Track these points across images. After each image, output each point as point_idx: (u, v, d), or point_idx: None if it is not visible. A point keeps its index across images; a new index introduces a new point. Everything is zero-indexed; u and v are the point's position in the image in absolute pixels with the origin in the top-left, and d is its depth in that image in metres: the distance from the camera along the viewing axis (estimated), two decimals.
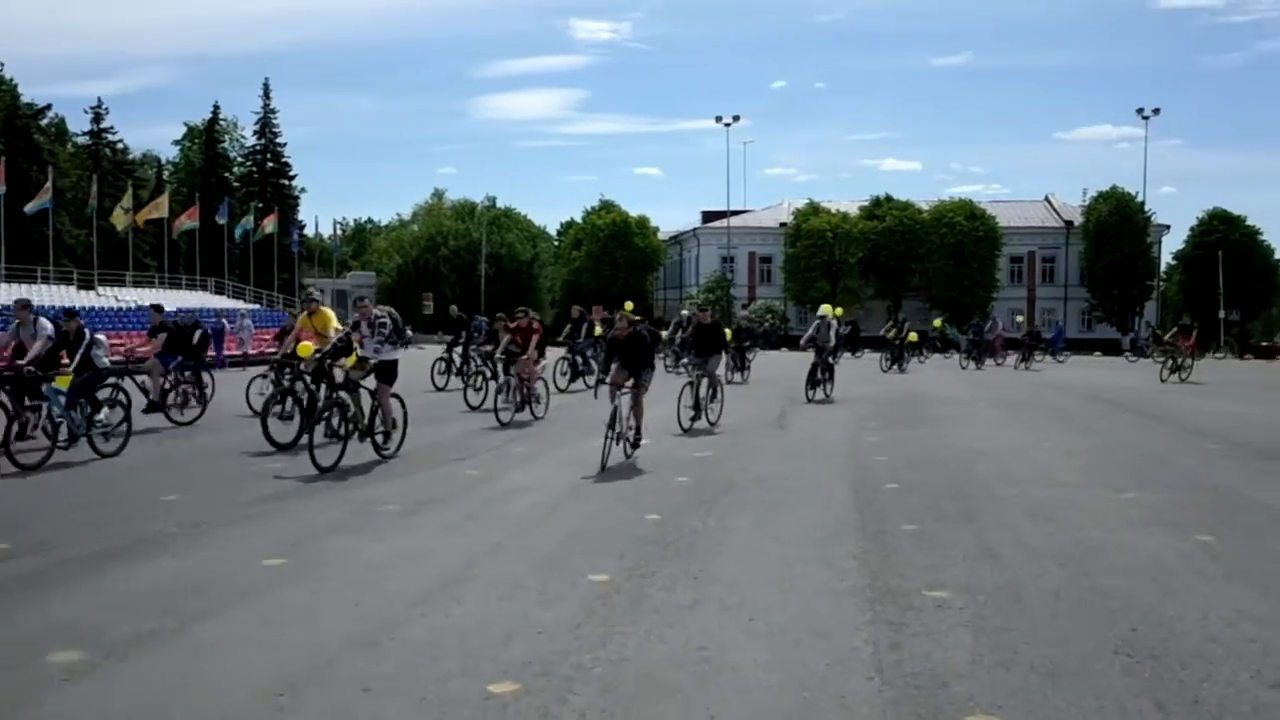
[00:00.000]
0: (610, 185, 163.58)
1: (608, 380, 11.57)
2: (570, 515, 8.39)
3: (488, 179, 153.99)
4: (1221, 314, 57.78)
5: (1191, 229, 65.36)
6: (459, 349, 22.63)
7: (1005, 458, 11.82)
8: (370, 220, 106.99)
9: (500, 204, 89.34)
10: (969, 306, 61.60)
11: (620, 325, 12.01)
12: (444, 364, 22.50)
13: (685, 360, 21.40)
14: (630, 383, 11.48)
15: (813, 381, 19.12)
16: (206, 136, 68.67)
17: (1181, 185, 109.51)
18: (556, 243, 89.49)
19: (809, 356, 19.71)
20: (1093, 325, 63.83)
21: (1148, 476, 10.48)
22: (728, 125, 64.55)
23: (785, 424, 15.47)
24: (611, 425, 10.98)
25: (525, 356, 15.37)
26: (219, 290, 50.88)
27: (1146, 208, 62.77)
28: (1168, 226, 65.86)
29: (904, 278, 63.21)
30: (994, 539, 7.48)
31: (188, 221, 51.71)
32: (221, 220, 53.20)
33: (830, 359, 19.56)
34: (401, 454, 11.63)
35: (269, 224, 56.52)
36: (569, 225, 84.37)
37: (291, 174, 71.64)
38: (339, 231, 75.57)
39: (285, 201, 67.96)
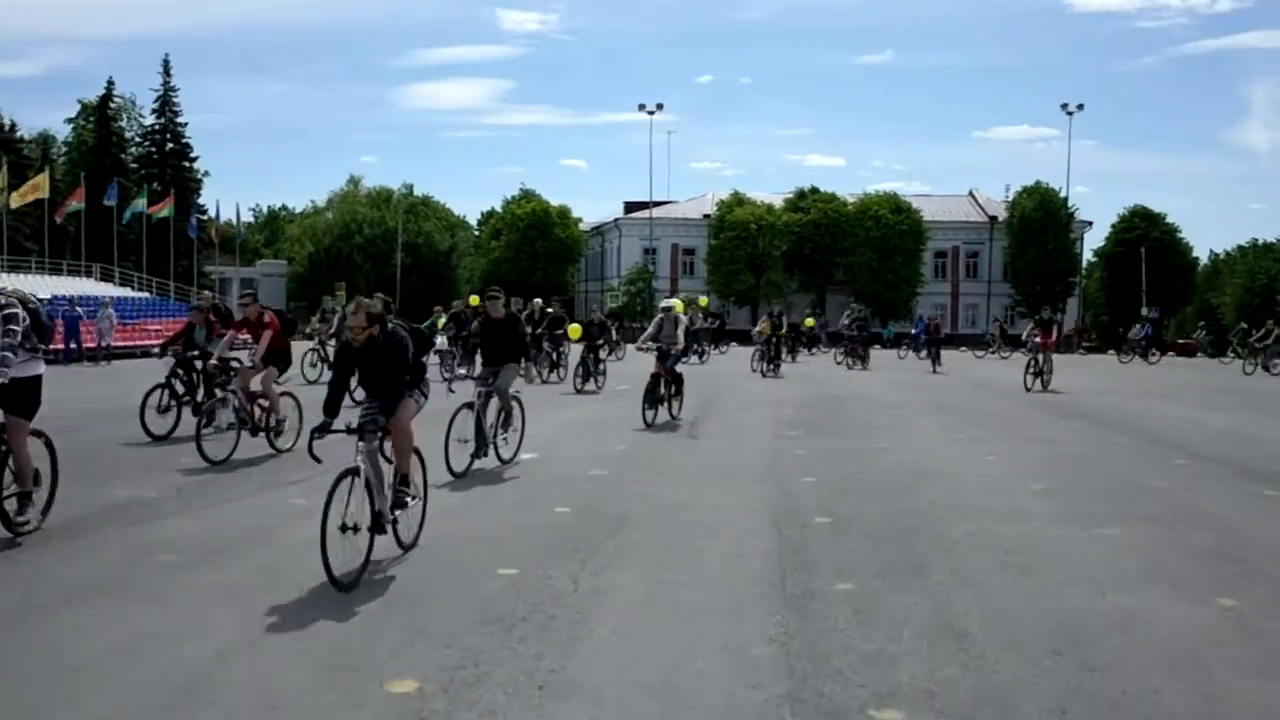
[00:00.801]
0: (536, 177, 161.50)
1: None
2: (387, 578, 6.23)
3: (411, 169, 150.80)
4: (1144, 311, 57.68)
5: (1113, 226, 65.49)
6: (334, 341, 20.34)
7: (953, 478, 10.01)
8: (285, 207, 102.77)
9: (419, 192, 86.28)
10: (893, 301, 60.76)
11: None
12: (315, 355, 20.45)
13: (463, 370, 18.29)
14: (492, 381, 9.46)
15: (652, 399, 13.81)
16: (99, 114, 64.39)
17: (1096, 185, 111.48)
18: (477, 233, 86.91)
19: (734, 355, 17.56)
20: (1015, 321, 63.42)
21: (1122, 504, 8.75)
22: (651, 114, 62.68)
23: (698, 433, 13.53)
24: (479, 437, 8.95)
25: (248, 365, 11.37)
26: (105, 277, 47.27)
27: (1070, 204, 62.54)
28: (1090, 223, 65.89)
29: (829, 271, 62.11)
30: (958, 607, 5.60)
31: (74, 203, 48.01)
32: (110, 202, 49.53)
33: (677, 366, 14.46)
34: (240, 473, 9.51)
35: (164, 208, 52.86)
36: (490, 215, 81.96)
37: (193, 156, 67.68)
38: (240, 217, 71.64)
39: (186, 185, 64.01)
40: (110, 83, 65.94)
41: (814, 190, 63.69)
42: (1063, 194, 62.13)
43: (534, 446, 11.00)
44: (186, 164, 67.24)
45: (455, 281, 77.70)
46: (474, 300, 26.20)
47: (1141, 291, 57.92)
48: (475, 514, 8.08)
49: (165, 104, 66.57)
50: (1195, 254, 67.88)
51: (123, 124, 67.41)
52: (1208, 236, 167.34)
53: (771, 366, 25.31)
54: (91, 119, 65.84)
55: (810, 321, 43.99)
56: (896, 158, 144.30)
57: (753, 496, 8.92)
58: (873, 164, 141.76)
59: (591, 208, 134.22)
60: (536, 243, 67.87)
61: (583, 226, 77.21)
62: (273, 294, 70.45)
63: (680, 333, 14.40)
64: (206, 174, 71.25)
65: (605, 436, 12.81)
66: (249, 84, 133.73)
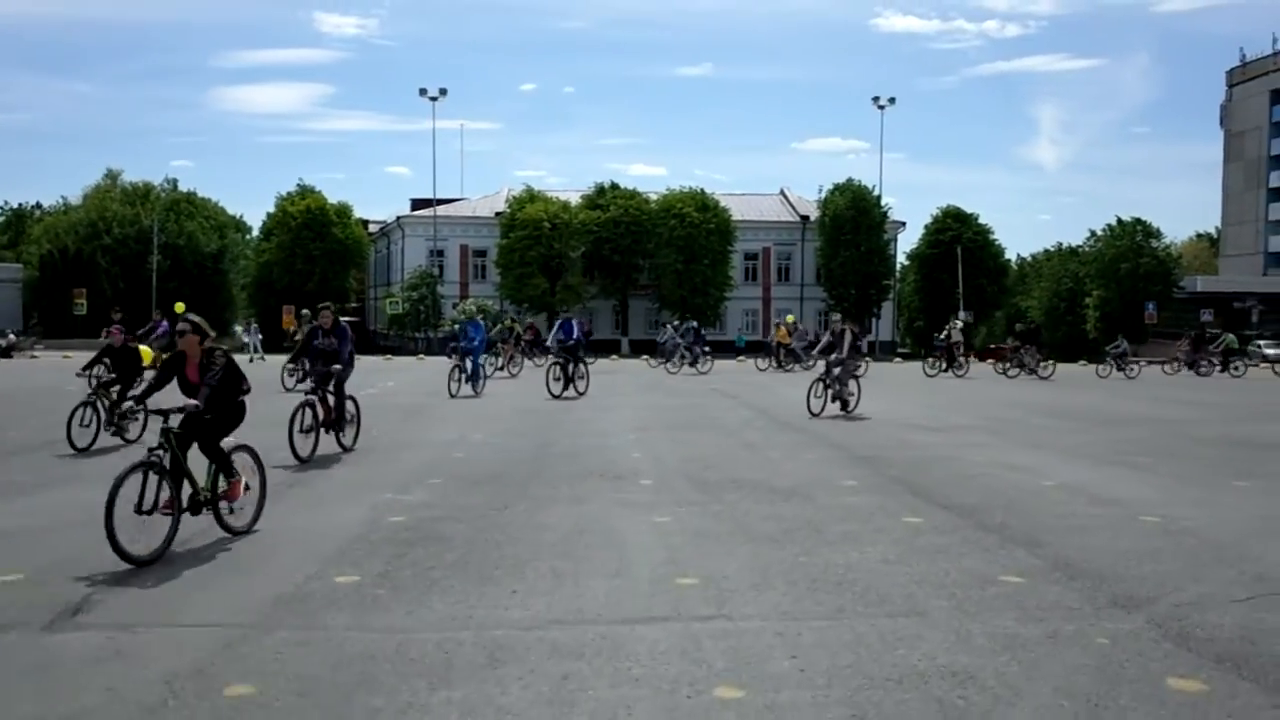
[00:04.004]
0: (359, 185, 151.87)
1: None
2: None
3: (227, 174, 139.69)
4: (960, 315, 54.80)
5: (926, 226, 62.86)
6: None
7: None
8: (39, 205, 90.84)
9: (209, 194, 77.00)
10: (700, 307, 56.05)
11: None
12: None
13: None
14: None
15: (303, 424, 9.85)
16: None
17: (904, 196, 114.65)
18: (259, 235, 78.17)
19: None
20: (828, 325, 59.84)
21: None
22: (433, 99, 56.16)
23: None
24: None
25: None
26: None
27: (883, 202, 59.40)
28: (904, 223, 63.01)
29: (631, 275, 56.84)
30: None
31: None
32: None
33: (337, 394, 10.48)
34: None
35: None
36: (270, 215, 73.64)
37: None
38: None
39: None
40: None
41: (614, 186, 58.30)
42: (875, 192, 58.98)
43: None
44: None
45: (227, 287, 69.10)
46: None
47: (958, 294, 55.10)
48: None
49: None
50: (1007, 256, 66.18)
51: None
52: (1009, 245, 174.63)
53: (470, 384, 18.68)
54: None
55: (510, 321, 36.78)
56: (717, 168, 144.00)
57: None
58: (694, 173, 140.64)
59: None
60: (312, 244, 60.01)
61: (374, 229, 70.13)
62: (3, 301, 60.61)
63: (348, 347, 11.26)
64: None
65: None
66: (48, 82, 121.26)
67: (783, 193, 66.86)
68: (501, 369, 25.62)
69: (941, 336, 31.83)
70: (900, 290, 67.82)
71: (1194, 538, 6.50)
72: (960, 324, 33.34)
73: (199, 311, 30.57)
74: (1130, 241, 61.52)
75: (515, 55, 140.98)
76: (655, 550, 6.05)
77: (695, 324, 32.50)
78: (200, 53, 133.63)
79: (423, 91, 56.48)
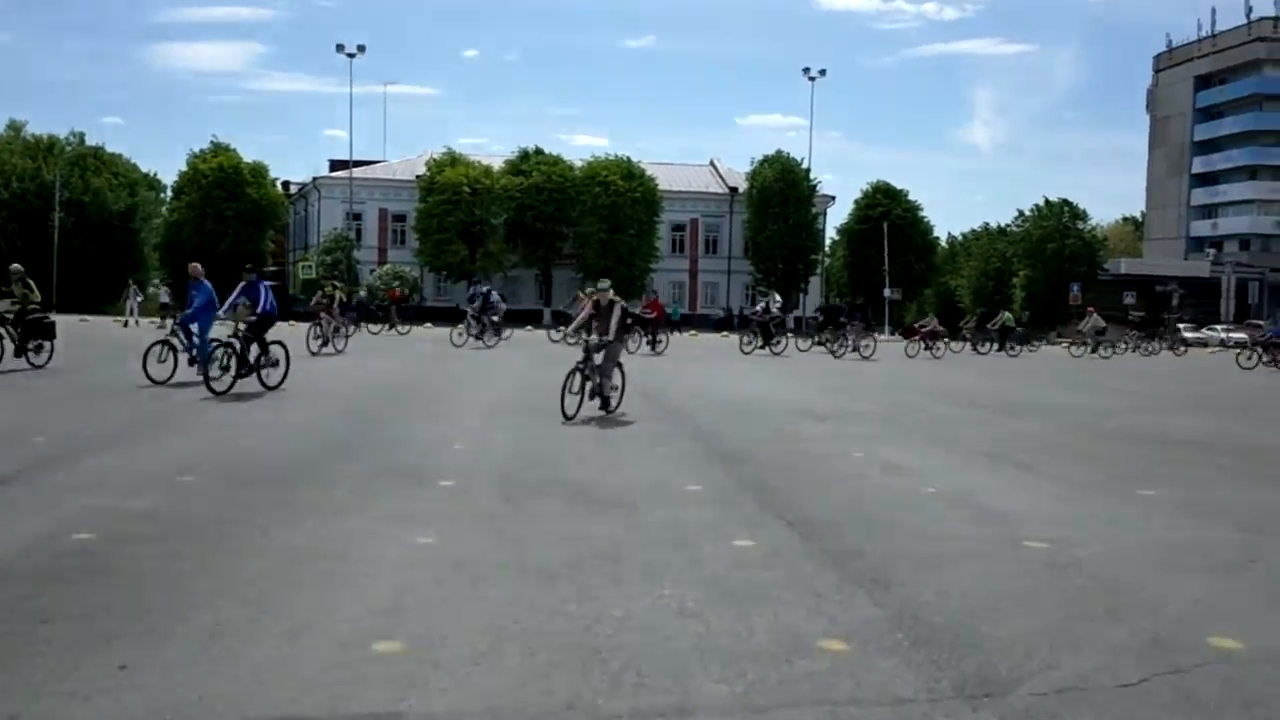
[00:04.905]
0: (299, 148, 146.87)
1: None
2: None
3: (160, 134, 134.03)
4: (887, 293, 54.08)
5: (855, 201, 62.04)
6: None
7: None
8: None
9: (101, 144, 72.91)
10: (626, 278, 54.52)
11: None
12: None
13: None
14: None
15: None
16: None
17: (840, 174, 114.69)
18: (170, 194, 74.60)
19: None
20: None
21: None
22: (351, 56, 53.46)
23: None
24: None
25: None
26: None
27: (812, 176, 58.23)
28: (833, 198, 61.97)
29: (554, 243, 55.01)
30: None
31: None
32: None
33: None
34: None
35: None
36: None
37: None
38: None
39: None
40: None
41: (538, 151, 56.29)
42: (805, 164, 57.78)
43: None
44: None
45: (138, 247, 65.78)
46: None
47: (884, 271, 54.27)
48: None
49: None
50: (936, 234, 65.58)
51: None
52: (943, 224, 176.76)
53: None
54: None
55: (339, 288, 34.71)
56: (660, 141, 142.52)
57: None
58: (638, 145, 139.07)
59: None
60: (224, 204, 57.05)
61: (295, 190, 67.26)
62: None
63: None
64: None
65: None
66: None
67: (712, 164, 65.43)
68: (326, 344, 21.48)
69: (758, 309, 29.85)
70: (829, 266, 66.97)
71: (1083, 574, 5.19)
72: (779, 300, 31.51)
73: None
74: (1057, 223, 61.25)
75: (457, 21, 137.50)
76: (382, 591, 4.57)
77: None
78: (134, 7, 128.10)
79: (340, 48, 53.84)
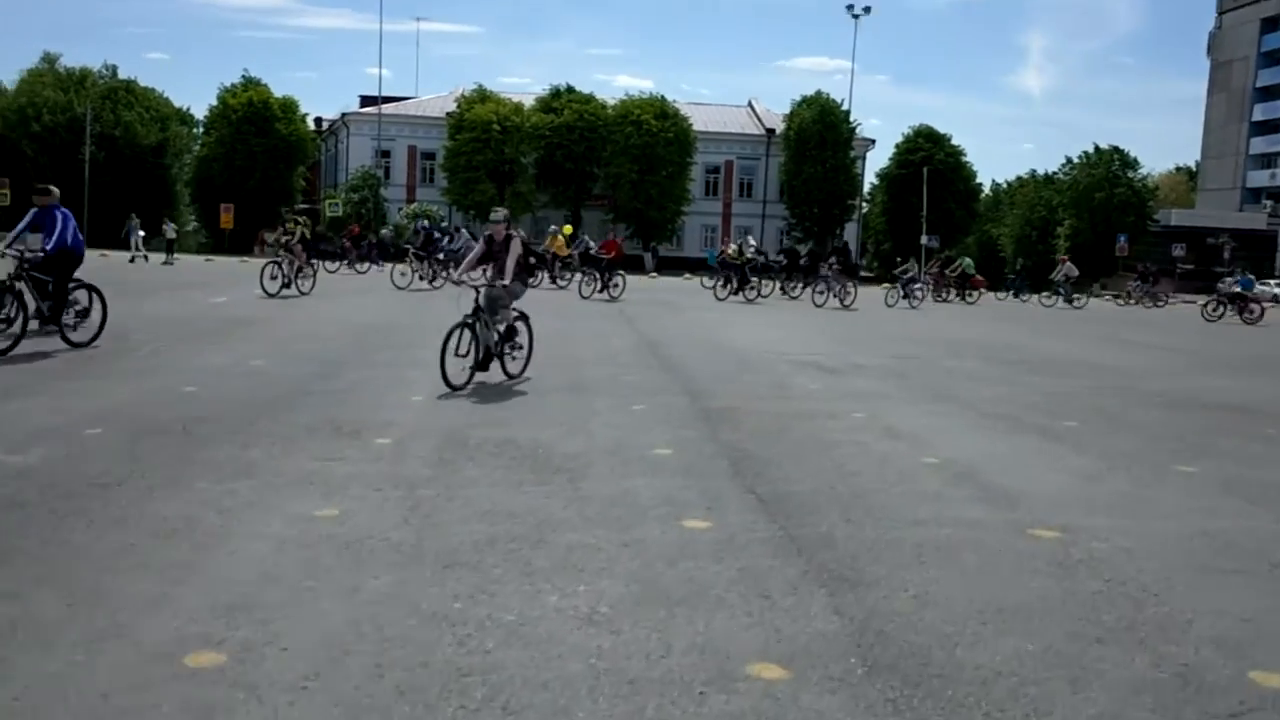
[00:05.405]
0: (332, 86, 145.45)
1: None
2: None
3: (205, 68, 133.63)
4: (924, 240, 52.39)
5: (896, 145, 60.02)
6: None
7: None
8: None
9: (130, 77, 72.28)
10: (657, 221, 53.39)
11: None
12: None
13: None
14: None
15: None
16: None
17: (886, 118, 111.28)
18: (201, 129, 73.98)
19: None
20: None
21: None
22: None
23: None
24: None
25: None
26: None
27: (852, 118, 56.36)
28: (873, 141, 60.12)
29: (585, 184, 53.85)
30: None
31: None
32: None
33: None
34: None
35: None
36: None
37: None
38: None
39: None
40: None
41: (570, 89, 54.90)
42: (845, 107, 55.92)
43: None
44: None
45: (169, 183, 65.41)
46: None
47: (922, 218, 52.53)
48: None
49: None
50: (979, 180, 63.49)
51: None
52: (991, 172, 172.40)
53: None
54: None
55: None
56: (704, 83, 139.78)
57: None
58: (681, 88, 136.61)
59: None
60: (253, 140, 56.46)
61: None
62: None
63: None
64: None
65: None
66: None
67: (750, 104, 63.60)
68: (288, 285, 19.26)
69: (730, 252, 27.26)
70: (869, 212, 65.20)
71: (1098, 575, 4.30)
72: (754, 243, 29.15)
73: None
74: (1106, 171, 58.89)
75: None
76: (239, 578, 3.79)
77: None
78: None
79: None
